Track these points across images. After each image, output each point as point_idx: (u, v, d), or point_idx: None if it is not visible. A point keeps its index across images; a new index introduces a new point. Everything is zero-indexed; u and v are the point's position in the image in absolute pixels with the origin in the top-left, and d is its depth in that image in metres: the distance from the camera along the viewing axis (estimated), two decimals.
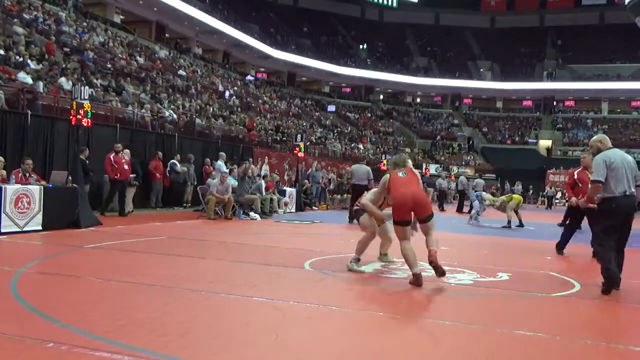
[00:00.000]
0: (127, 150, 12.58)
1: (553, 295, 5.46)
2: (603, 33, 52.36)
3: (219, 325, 3.86)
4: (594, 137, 6.21)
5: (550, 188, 34.82)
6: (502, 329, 4.13)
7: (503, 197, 15.30)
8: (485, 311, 4.82)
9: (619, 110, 52.38)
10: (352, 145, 38.58)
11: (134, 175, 12.78)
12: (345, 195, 19.68)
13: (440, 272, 5.65)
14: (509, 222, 14.36)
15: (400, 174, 6.03)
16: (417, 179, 6.06)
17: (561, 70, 53.79)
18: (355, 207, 7.17)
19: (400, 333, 3.98)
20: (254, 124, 26.74)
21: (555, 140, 49.19)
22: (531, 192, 38.12)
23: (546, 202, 33.68)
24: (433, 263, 5.65)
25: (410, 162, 6.37)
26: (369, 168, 13.78)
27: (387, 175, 6.16)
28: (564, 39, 55.74)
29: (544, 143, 49.19)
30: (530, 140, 49.63)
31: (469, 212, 20.49)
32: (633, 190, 5.66)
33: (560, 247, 8.74)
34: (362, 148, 39.34)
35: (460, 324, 4.22)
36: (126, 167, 12.15)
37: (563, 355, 3.61)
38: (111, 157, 11.96)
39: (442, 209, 22.26)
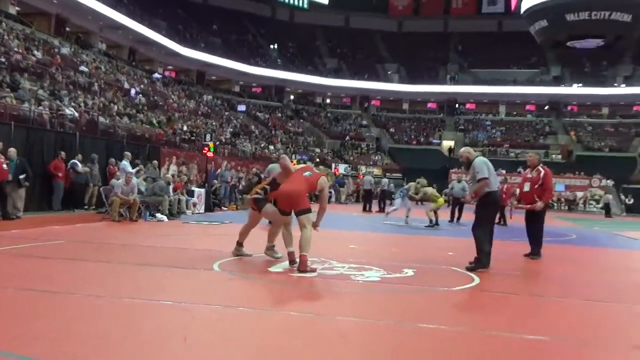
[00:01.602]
0: (12, 149, 11.71)
1: (455, 289, 5.74)
2: (501, 40, 55.31)
3: (125, 331, 3.74)
4: (463, 149, 7.59)
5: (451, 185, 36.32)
6: (408, 324, 4.29)
7: (429, 190, 14.88)
8: (392, 307, 4.97)
9: (515, 113, 55.49)
10: (263, 145, 38.50)
11: (24, 176, 11.92)
12: None
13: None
14: (431, 221, 14.34)
15: (306, 173, 6.67)
16: (312, 182, 6.57)
17: (463, 74, 56.29)
18: (255, 196, 7.21)
19: (310, 331, 4.04)
20: (175, 127, 26.31)
21: (457, 141, 51.38)
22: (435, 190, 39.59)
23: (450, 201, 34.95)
24: (300, 272, 6.13)
25: (326, 175, 6.94)
26: None
27: (302, 166, 7.10)
28: (465, 45, 58.34)
29: (447, 144, 51.25)
30: (434, 141, 51.53)
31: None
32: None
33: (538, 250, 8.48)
34: (273, 148, 39.37)
35: (368, 320, 4.35)
36: (5, 167, 11.13)
37: (465, 346, 3.81)
38: None
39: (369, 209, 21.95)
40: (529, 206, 8.39)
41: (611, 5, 36.86)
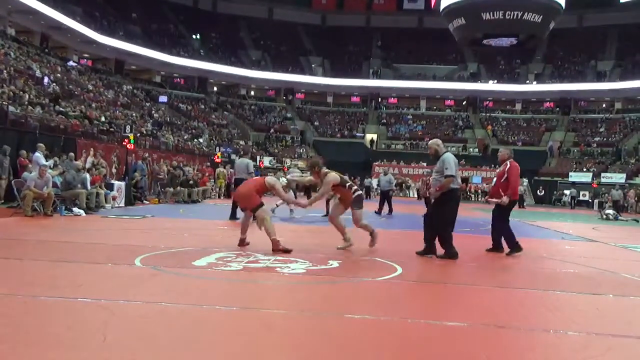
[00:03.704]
0: None
1: (378, 280, 5.85)
2: (422, 36, 56.77)
3: (39, 331, 3.56)
4: (432, 141, 7.60)
5: (368, 179, 37.28)
6: (333, 314, 4.34)
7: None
8: (317, 298, 5.02)
9: (435, 107, 57.21)
10: (186, 137, 37.67)
11: None
12: (179, 188, 19.20)
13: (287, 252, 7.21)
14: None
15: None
16: (260, 181, 7.80)
17: (385, 69, 57.36)
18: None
19: (234, 324, 4.01)
20: (95, 116, 25.29)
21: (380, 134, 52.40)
22: (359, 183, 40.24)
23: (364, 192, 35.66)
24: (274, 252, 7.13)
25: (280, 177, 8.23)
26: (249, 161, 13.37)
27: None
28: (387, 40, 59.42)
29: (369, 137, 52.13)
30: (357, 134, 52.29)
31: None
32: None
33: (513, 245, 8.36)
34: (202, 140, 38.68)
35: (294, 312, 4.36)
36: None
37: (389, 334, 3.89)
38: None
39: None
40: (495, 200, 8.37)
41: (523, 6, 38.60)
